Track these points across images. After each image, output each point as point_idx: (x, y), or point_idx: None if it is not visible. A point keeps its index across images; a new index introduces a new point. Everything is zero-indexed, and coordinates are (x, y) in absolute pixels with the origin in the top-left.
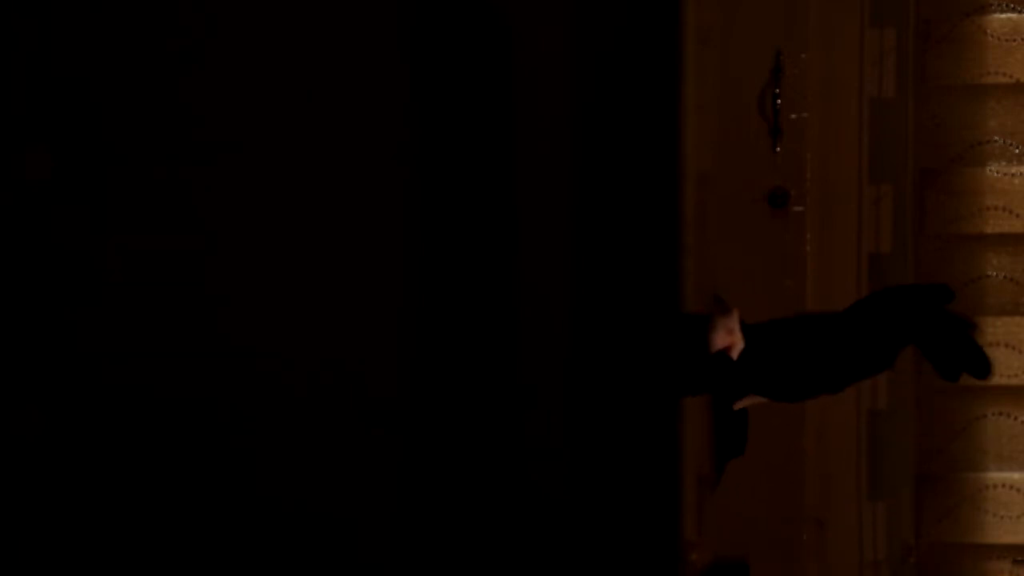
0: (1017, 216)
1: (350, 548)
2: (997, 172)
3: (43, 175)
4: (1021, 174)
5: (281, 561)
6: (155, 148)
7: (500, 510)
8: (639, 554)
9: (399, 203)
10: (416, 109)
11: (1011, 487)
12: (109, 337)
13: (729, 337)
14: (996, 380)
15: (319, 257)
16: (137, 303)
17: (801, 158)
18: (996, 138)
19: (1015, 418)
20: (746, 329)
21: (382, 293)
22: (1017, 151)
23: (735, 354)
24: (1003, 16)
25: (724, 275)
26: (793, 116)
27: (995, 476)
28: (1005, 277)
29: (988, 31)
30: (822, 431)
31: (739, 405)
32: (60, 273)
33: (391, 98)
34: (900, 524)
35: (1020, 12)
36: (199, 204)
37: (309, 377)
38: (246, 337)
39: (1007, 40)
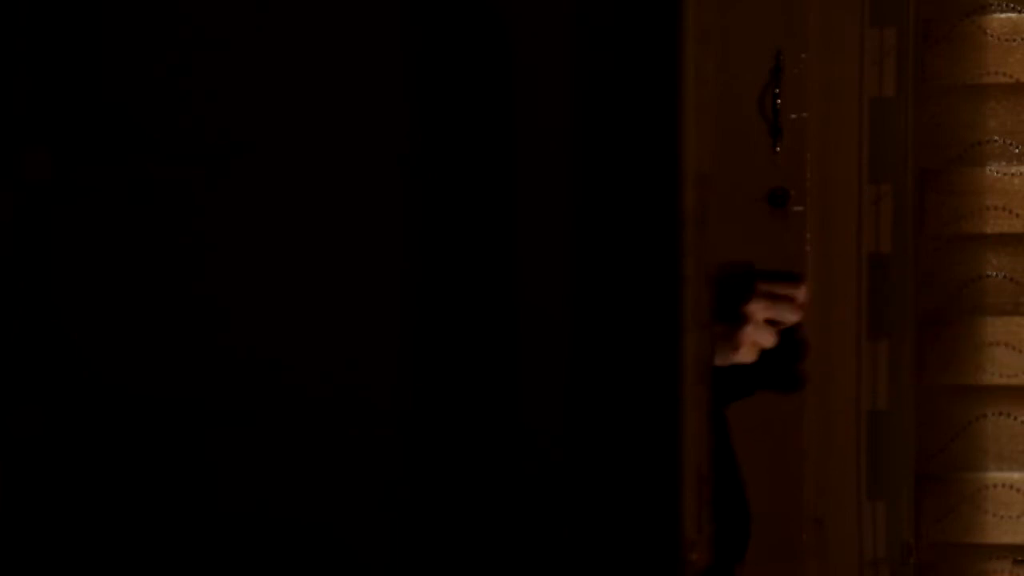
0: (1017, 216)
1: (350, 547)
2: (997, 172)
3: (43, 175)
4: (1021, 174)
5: (281, 561)
6: (155, 148)
7: (499, 510)
8: (639, 554)
9: (399, 203)
10: (416, 109)
11: (1011, 487)
12: (109, 337)
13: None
14: (996, 380)
15: (319, 257)
16: (137, 303)
17: (801, 158)
18: (996, 138)
19: (1015, 418)
20: None
21: (382, 293)
22: (1017, 151)
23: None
24: (1003, 16)
25: None
26: (793, 116)
27: (995, 476)
28: (1005, 277)
29: (988, 31)
30: (822, 431)
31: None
32: (60, 273)
33: (391, 99)
34: (900, 524)
35: (1020, 12)
36: (199, 204)
37: (309, 377)
38: (246, 337)
39: (1007, 40)
